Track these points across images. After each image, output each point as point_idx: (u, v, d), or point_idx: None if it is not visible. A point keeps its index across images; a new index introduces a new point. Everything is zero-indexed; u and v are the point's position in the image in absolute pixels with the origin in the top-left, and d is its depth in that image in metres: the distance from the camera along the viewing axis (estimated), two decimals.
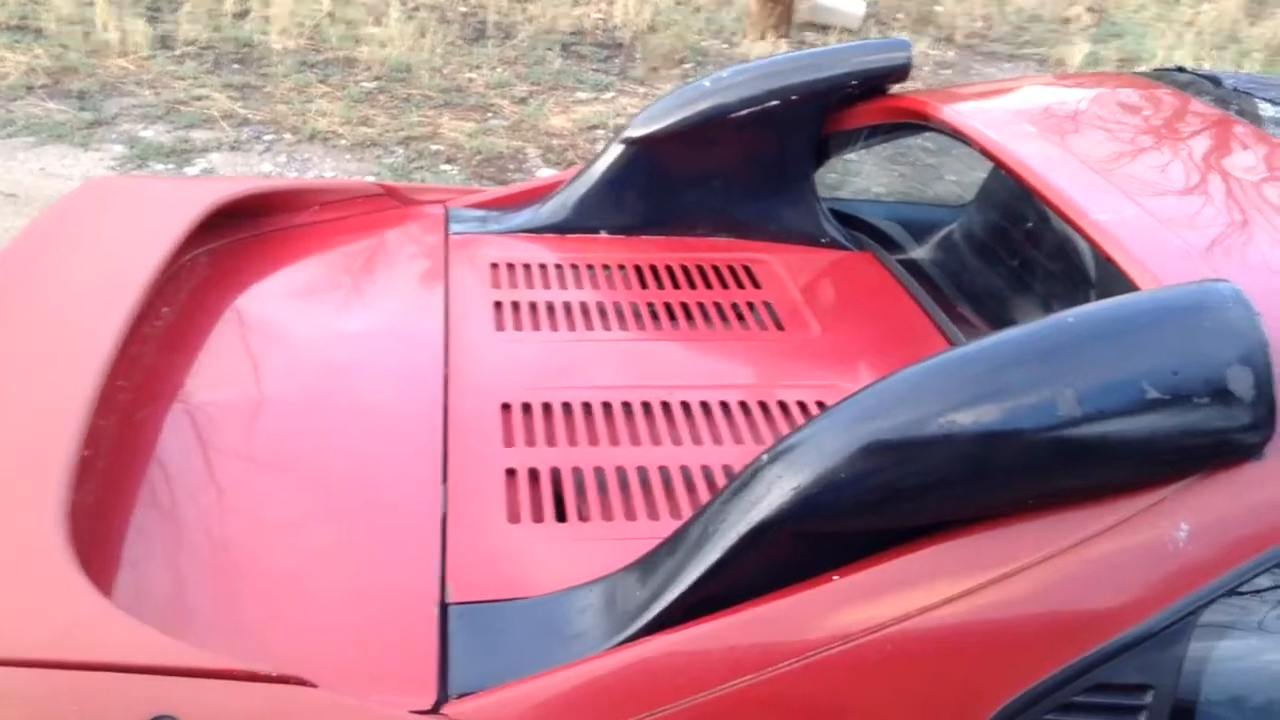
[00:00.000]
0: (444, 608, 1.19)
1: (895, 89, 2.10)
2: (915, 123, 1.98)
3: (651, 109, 2.06)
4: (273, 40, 5.84)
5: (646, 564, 1.19)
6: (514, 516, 1.34)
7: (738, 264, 2.00)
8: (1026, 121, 1.85)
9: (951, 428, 1.10)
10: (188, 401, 1.50)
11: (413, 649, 1.13)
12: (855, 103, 2.06)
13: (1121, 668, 1.09)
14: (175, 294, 1.72)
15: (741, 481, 1.16)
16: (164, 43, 5.66)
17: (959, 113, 1.88)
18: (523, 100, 5.49)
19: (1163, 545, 1.11)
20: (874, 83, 2.06)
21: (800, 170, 2.09)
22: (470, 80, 5.72)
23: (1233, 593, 1.12)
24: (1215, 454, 1.14)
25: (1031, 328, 1.17)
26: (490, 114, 5.35)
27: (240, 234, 1.93)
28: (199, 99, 5.13)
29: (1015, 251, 2.07)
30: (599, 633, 1.14)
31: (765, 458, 1.16)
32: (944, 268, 2.11)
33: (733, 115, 2.02)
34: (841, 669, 1.07)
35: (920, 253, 2.18)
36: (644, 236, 2.06)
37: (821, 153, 2.13)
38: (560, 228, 2.04)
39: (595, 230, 2.05)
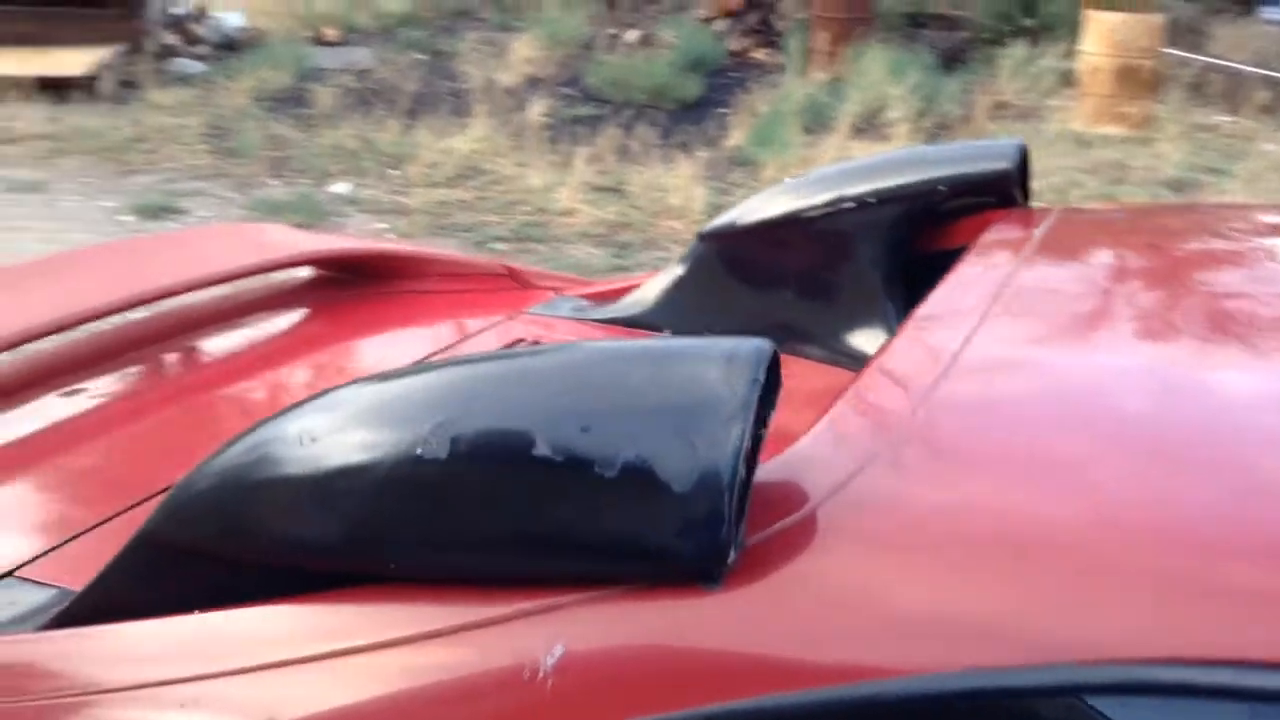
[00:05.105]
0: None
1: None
2: None
3: (740, 205, 1.90)
4: None
5: None
6: None
7: None
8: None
9: (310, 448, 0.92)
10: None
11: None
12: (956, 217, 1.70)
13: None
14: (255, 318, 1.99)
15: None
16: (717, 210, 6.27)
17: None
18: None
19: (519, 667, 0.79)
20: (971, 193, 1.68)
21: (880, 288, 1.76)
22: None
23: None
24: (640, 565, 0.80)
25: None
26: None
27: (371, 289, 2.15)
28: None
29: None
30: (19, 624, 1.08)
31: None
32: None
33: (805, 218, 1.78)
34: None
35: None
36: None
37: (927, 274, 1.77)
38: (630, 321, 1.95)
39: (659, 329, 1.92)
